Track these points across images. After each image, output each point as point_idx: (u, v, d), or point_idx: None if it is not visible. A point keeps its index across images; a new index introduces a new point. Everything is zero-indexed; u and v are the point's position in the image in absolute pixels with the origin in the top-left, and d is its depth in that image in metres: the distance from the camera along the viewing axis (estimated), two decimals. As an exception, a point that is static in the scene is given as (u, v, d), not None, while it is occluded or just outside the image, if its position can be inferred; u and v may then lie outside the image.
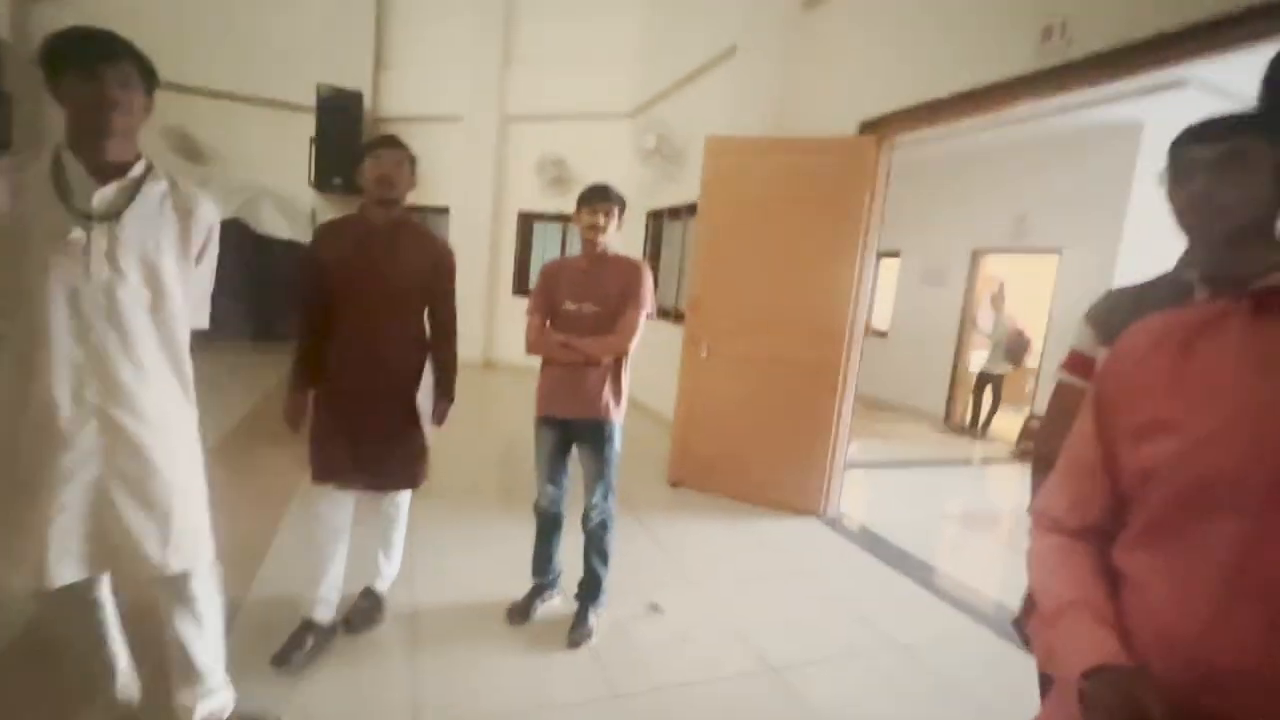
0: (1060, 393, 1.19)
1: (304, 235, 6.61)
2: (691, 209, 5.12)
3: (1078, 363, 1.17)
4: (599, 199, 2.02)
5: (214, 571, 1.47)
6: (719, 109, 4.58)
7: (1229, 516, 0.57)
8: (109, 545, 1.27)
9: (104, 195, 1.22)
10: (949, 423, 6.86)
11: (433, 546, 2.73)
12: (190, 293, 1.37)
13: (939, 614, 2.63)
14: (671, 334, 5.28)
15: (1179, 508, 0.61)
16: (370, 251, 1.85)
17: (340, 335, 1.88)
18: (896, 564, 3.05)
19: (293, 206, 7.10)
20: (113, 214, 1.22)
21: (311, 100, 6.93)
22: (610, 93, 6.67)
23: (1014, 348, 6.24)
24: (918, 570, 3.02)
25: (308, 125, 7.06)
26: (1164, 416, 0.64)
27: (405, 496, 2.17)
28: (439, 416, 2.10)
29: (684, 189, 5.28)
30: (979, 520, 4.19)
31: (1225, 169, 0.94)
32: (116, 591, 1.49)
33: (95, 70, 1.17)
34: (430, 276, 1.95)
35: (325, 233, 1.94)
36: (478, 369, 7.29)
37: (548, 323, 2.13)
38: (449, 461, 4.00)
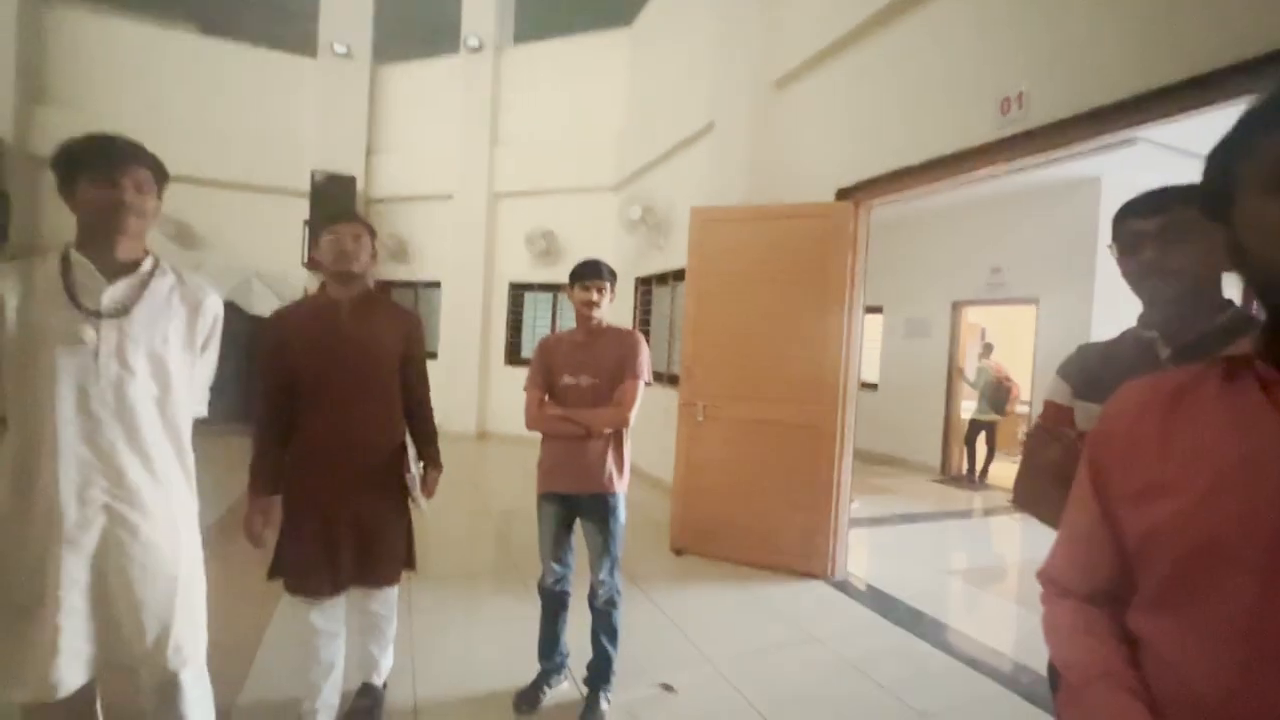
0: (1034, 436, 1.27)
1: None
2: (678, 275, 5.27)
3: (1053, 413, 1.25)
4: (592, 275, 2.06)
5: (204, 672, 1.41)
6: (700, 180, 4.80)
7: (1237, 576, 0.57)
8: (112, 645, 1.23)
9: (114, 293, 1.25)
10: (946, 473, 6.84)
11: (433, 632, 2.63)
12: (194, 382, 1.39)
13: (956, 677, 2.55)
14: (665, 398, 5.31)
15: (1188, 569, 0.61)
16: (340, 329, 1.77)
17: (309, 425, 1.75)
18: (909, 625, 2.98)
19: (286, 286, 7.20)
20: (122, 310, 1.25)
21: (306, 185, 7.18)
22: (595, 168, 6.97)
23: (996, 395, 6.33)
24: (931, 631, 2.94)
25: (302, 209, 7.28)
26: (1159, 479, 0.65)
27: (394, 592, 2.01)
28: (430, 488, 2.02)
29: (670, 257, 5.45)
30: (987, 575, 4.12)
31: (1169, 239, 1.06)
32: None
33: (114, 177, 1.23)
34: (404, 347, 1.89)
35: (284, 317, 1.82)
36: (472, 440, 7.23)
37: (546, 397, 2.14)
38: (447, 539, 3.91)
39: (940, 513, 5.37)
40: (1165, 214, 1.08)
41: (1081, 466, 0.75)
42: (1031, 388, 6.17)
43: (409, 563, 1.96)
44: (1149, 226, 1.09)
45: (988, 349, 6.65)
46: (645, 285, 6.12)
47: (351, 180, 7.38)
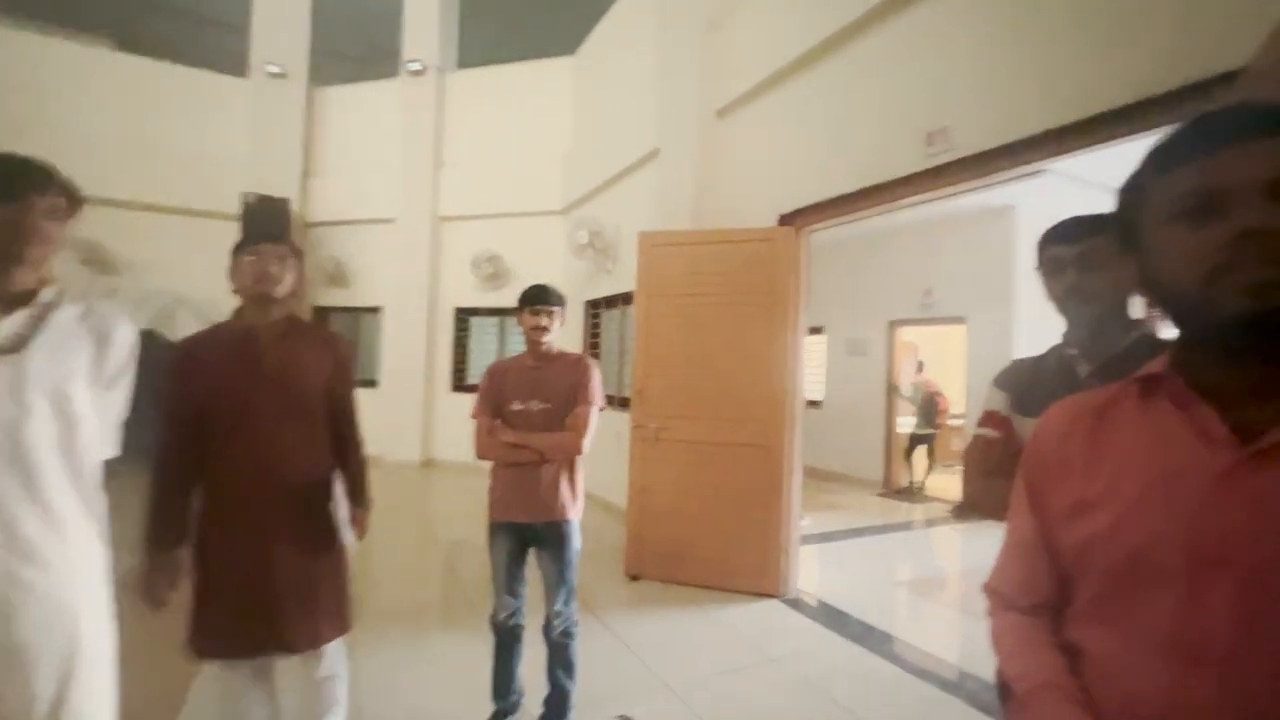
0: (976, 444, 1.34)
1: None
2: (626, 298, 5.31)
3: (990, 419, 1.33)
4: (541, 300, 2.05)
5: None
6: (647, 205, 4.87)
7: (1161, 585, 0.60)
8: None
9: (8, 326, 1.14)
10: (888, 487, 7.07)
11: (378, 675, 2.49)
12: (104, 420, 1.27)
13: (907, 688, 2.61)
14: (617, 421, 5.30)
15: (1117, 580, 0.64)
16: (257, 359, 1.60)
17: (222, 466, 1.57)
18: (860, 640, 3.03)
19: (214, 313, 6.82)
20: (17, 345, 1.14)
21: (236, 208, 6.87)
22: (541, 192, 6.98)
23: (928, 409, 6.63)
24: (881, 644, 3.01)
25: (232, 233, 6.94)
26: (1087, 495, 0.68)
27: (339, 647, 1.76)
28: (360, 528, 1.82)
29: (618, 280, 5.48)
30: (930, 585, 4.26)
31: (1087, 264, 1.17)
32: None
33: (22, 200, 1.13)
34: (333, 376, 1.73)
35: (192, 345, 1.64)
36: (416, 469, 6.98)
37: (497, 422, 2.09)
38: (391, 575, 3.74)
39: (884, 526, 5.54)
40: (1083, 241, 1.18)
41: (1018, 484, 0.79)
42: (965, 402, 6.50)
43: (350, 614, 1.74)
44: (1069, 253, 1.19)
45: (919, 366, 6.96)
46: (594, 308, 6.13)
47: (285, 202, 7.11)
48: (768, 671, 2.70)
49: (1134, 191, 0.67)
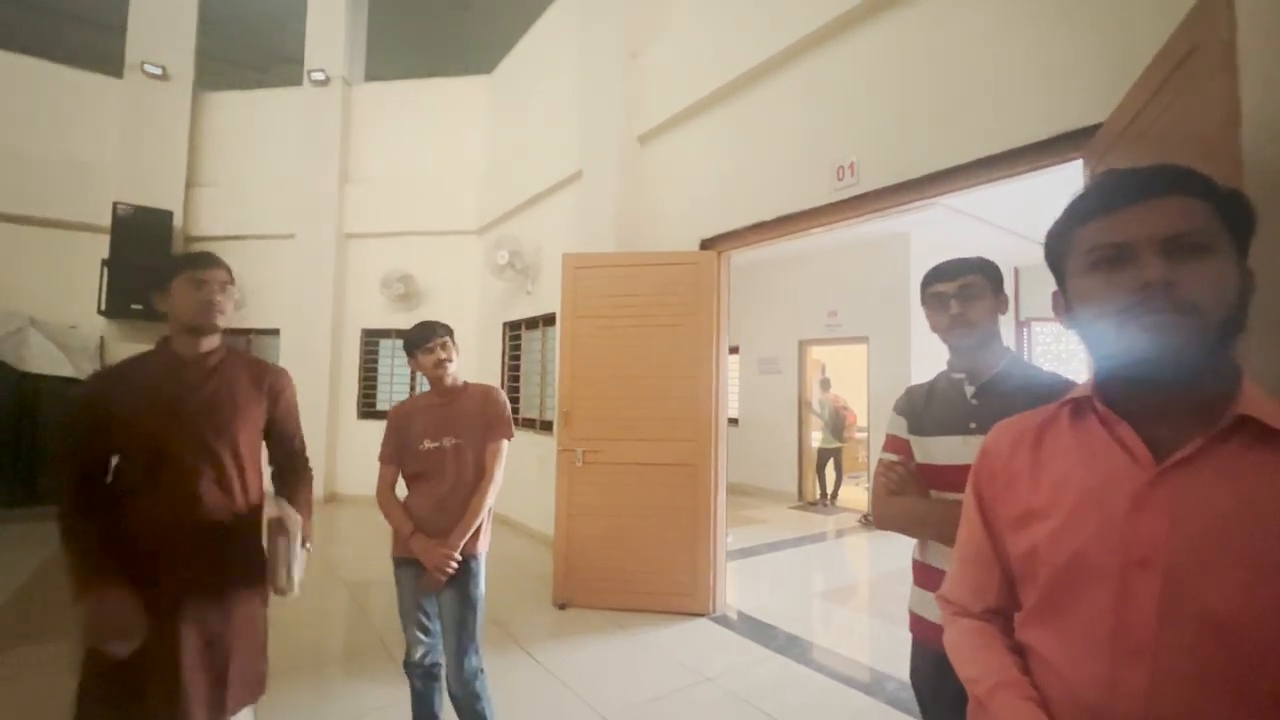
0: (880, 466, 1.47)
1: (90, 369, 5.64)
2: (548, 319, 5.26)
3: (894, 444, 1.48)
4: (431, 336, 1.98)
5: None
6: (568, 227, 4.88)
7: (1098, 586, 0.67)
8: None
9: None
10: (802, 499, 7.38)
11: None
12: None
13: (834, 695, 2.70)
14: (539, 445, 5.20)
15: (1060, 583, 0.71)
16: (191, 394, 1.47)
17: (135, 515, 1.40)
18: (787, 651, 3.12)
19: (74, 337, 6.06)
20: None
21: (106, 219, 6.17)
22: (456, 211, 6.80)
23: (836, 424, 7.03)
24: (807, 654, 3.11)
25: (100, 246, 6.23)
26: (1033, 506, 0.75)
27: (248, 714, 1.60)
28: (306, 533, 1.61)
29: (539, 300, 5.43)
30: (846, 593, 4.47)
31: (966, 297, 1.37)
32: None
33: None
34: (275, 410, 1.64)
35: (112, 381, 1.46)
36: (319, 505, 6.48)
37: (414, 532, 1.93)
38: (291, 623, 3.42)
39: (801, 538, 5.76)
40: (962, 277, 1.38)
41: (968, 498, 0.86)
42: (868, 416, 6.93)
43: (260, 684, 1.58)
44: (951, 288, 1.38)
45: (826, 384, 7.37)
46: (514, 329, 6.02)
47: (167, 215, 6.47)
48: (701, 691, 2.71)
49: (1057, 240, 0.76)
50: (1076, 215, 0.73)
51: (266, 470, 1.69)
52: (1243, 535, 0.60)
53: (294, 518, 1.55)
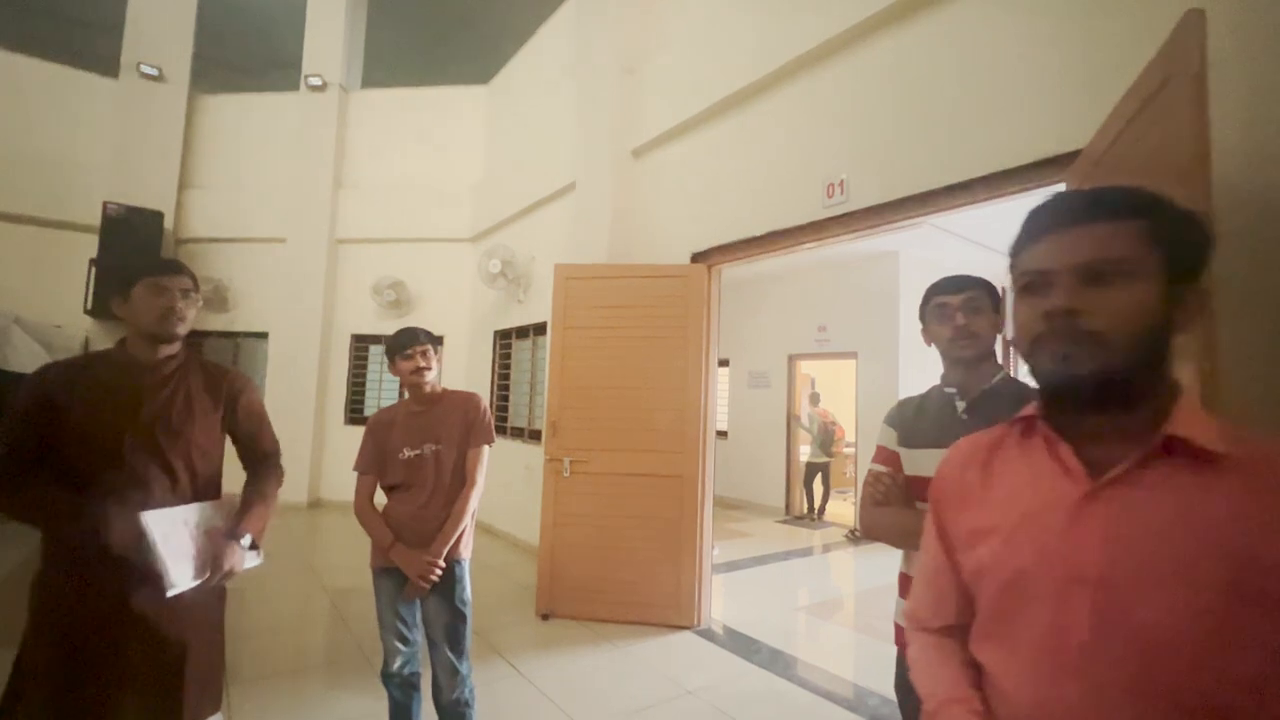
0: (869, 477, 1.48)
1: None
2: (539, 329, 5.27)
3: (883, 456, 1.49)
4: (413, 343, 1.98)
5: None
6: (561, 237, 4.91)
7: (1037, 602, 0.68)
8: None
9: None
10: (789, 513, 7.39)
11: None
12: None
13: (819, 710, 2.70)
14: (527, 454, 5.19)
15: (1004, 599, 0.72)
16: (140, 402, 1.42)
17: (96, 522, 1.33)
18: (771, 666, 3.12)
19: (58, 337, 5.99)
20: None
21: (95, 219, 6.13)
22: (450, 219, 6.81)
23: (824, 438, 7.06)
24: (790, 669, 3.11)
25: (88, 246, 6.19)
26: (982, 524, 0.76)
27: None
28: (220, 565, 1.43)
29: (530, 310, 5.44)
30: (831, 607, 4.47)
31: (972, 309, 1.39)
32: None
33: None
34: (235, 413, 1.59)
35: (60, 374, 1.40)
36: (303, 511, 6.41)
37: (395, 543, 1.93)
38: (272, 629, 3.38)
39: (787, 552, 5.76)
40: (967, 291, 1.40)
41: (928, 516, 0.87)
42: (855, 430, 6.96)
43: (214, 700, 1.51)
44: (956, 300, 1.40)
45: (815, 398, 7.41)
46: (505, 338, 6.02)
47: (158, 216, 6.44)
48: (684, 705, 2.70)
49: (1011, 262, 0.79)
50: (1018, 240, 0.75)
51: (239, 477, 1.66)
52: (1170, 551, 0.61)
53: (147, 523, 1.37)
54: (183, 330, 1.50)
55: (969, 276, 1.43)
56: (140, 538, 1.33)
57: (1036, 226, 0.72)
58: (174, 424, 1.46)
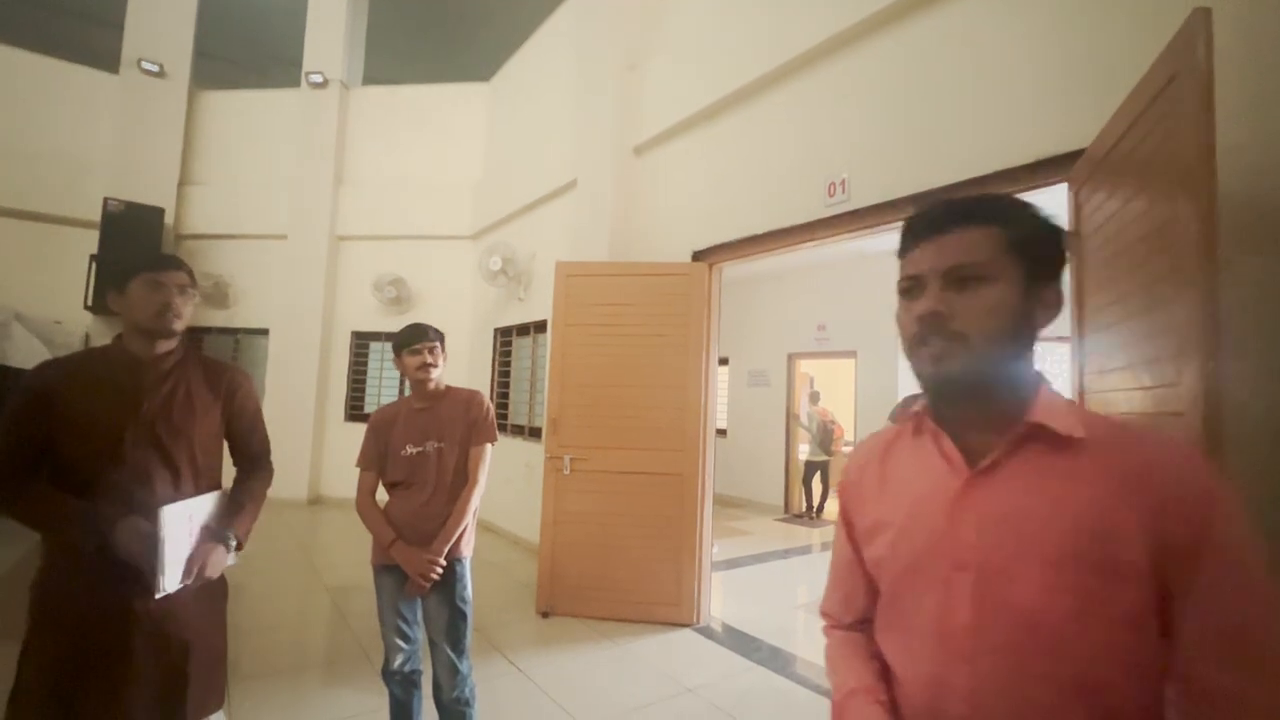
0: None
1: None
2: (539, 326, 5.26)
3: None
4: (421, 339, 1.98)
5: None
6: (561, 234, 4.90)
7: (928, 590, 0.71)
8: None
9: None
10: (788, 511, 7.39)
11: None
12: None
13: (818, 708, 2.70)
14: (527, 451, 5.19)
15: (899, 589, 0.75)
16: (140, 399, 1.42)
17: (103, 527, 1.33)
18: (770, 664, 3.12)
19: (59, 333, 5.99)
20: None
21: (95, 214, 6.12)
22: (450, 216, 6.81)
23: (824, 437, 7.07)
24: (789, 667, 3.11)
25: (88, 242, 6.18)
26: (881, 518, 0.79)
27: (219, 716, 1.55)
28: (194, 566, 1.41)
29: (531, 308, 5.43)
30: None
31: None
32: None
33: None
34: (230, 408, 1.58)
35: (58, 372, 1.39)
36: (303, 507, 6.41)
37: (395, 540, 1.92)
38: (269, 627, 3.38)
39: (786, 550, 5.76)
40: None
41: (838, 513, 0.90)
42: (855, 430, 6.96)
43: (217, 697, 1.52)
44: None
45: (814, 396, 7.40)
46: (505, 336, 6.01)
47: (158, 212, 6.42)
48: (683, 702, 2.70)
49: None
50: (899, 246, 0.79)
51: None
52: (1037, 533, 0.65)
53: (165, 518, 1.36)
54: (179, 326, 1.49)
55: None
56: (150, 538, 1.32)
57: (911, 233, 0.76)
58: (175, 420, 1.45)
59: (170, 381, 1.48)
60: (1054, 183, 2.10)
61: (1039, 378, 0.73)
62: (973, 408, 0.72)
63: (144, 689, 1.36)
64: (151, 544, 1.32)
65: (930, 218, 0.74)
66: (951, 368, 0.69)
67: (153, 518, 1.34)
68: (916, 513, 0.74)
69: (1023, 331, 0.70)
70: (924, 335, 0.70)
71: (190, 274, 1.52)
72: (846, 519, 0.87)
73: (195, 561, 1.41)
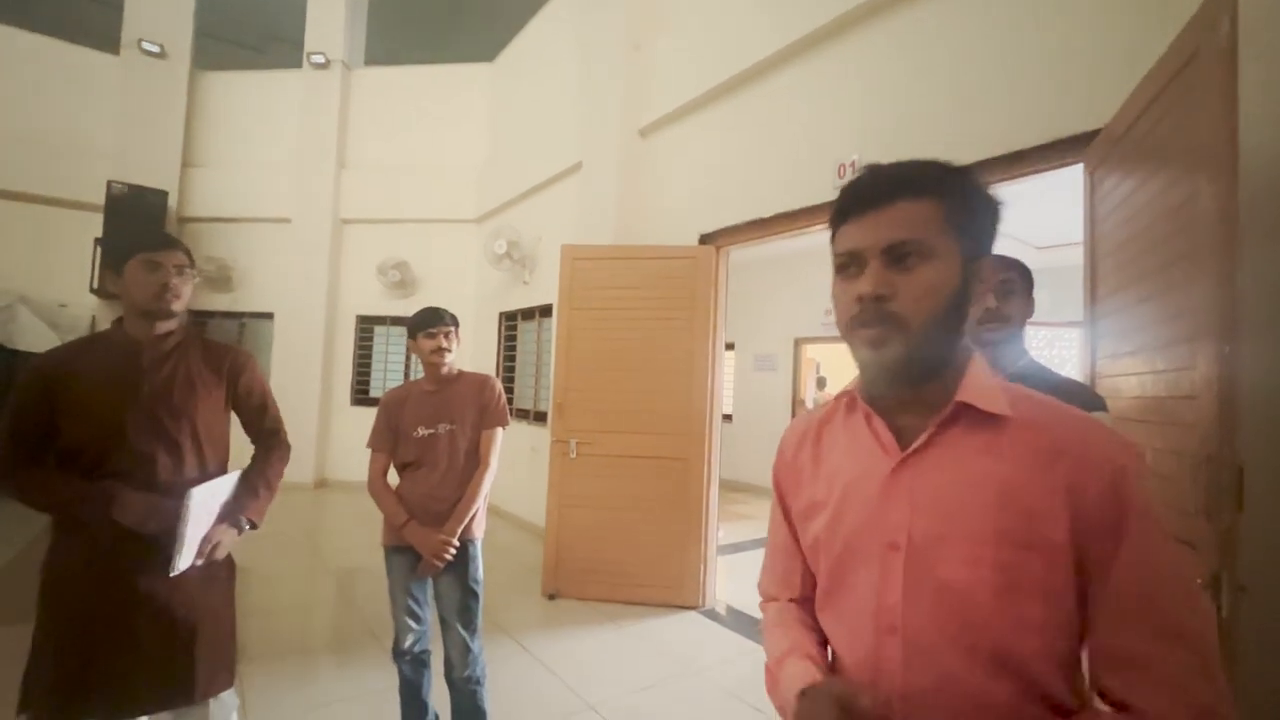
0: None
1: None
2: (544, 310, 5.25)
3: None
4: (437, 323, 1.99)
5: None
6: (567, 218, 4.86)
7: (863, 568, 0.71)
8: None
9: None
10: (793, 496, 7.41)
11: None
12: None
13: (821, 690, 2.73)
14: (533, 435, 5.20)
15: (836, 568, 0.74)
16: (142, 381, 1.42)
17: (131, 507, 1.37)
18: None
19: (64, 317, 6.01)
20: None
21: (99, 197, 6.11)
22: (455, 199, 6.77)
23: None
24: (795, 648, 3.13)
25: (93, 225, 6.17)
26: (815, 498, 0.78)
27: (230, 700, 1.57)
28: (206, 548, 1.46)
29: (536, 291, 5.41)
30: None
31: (1005, 291, 1.37)
32: None
33: None
34: (236, 390, 1.59)
35: (60, 359, 1.42)
36: (310, 490, 6.47)
37: (409, 521, 1.93)
38: (279, 608, 3.43)
39: (791, 534, 5.78)
40: (1002, 273, 1.39)
41: (774, 493, 0.89)
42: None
43: (234, 662, 1.56)
44: (990, 282, 1.34)
45: (821, 382, 7.39)
46: (510, 320, 6.00)
47: (162, 195, 6.40)
48: (689, 683, 2.73)
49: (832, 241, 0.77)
50: (833, 217, 0.75)
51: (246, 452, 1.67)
52: (962, 510, 0.65)
53: (191, 500, 1.39)
54: (179, 307, 1.48)
55: (1005, 257, 1.38)
56: (163, 514, 1.36)
57: (846, 205, 0.72)
58: (176, 401, 1.46)
59: (171, 362, 1.48)
60: (1069, 163, 2.06)
61: (968, 352, 0.72)
62: (906, 389, 0.71)
63: (152, 666, 1.39)
64: (169, 522, 1.35)
65: (868, 189, 0.70)
66: (892, 353, 0.67)
67: (163, 497, 1.36)
68: (851, 494, 0.73)
69: (961, 310, 0.69)
70: (863, 317, 0.68)
71: (188, 254, 1.51)
72: (782, 499, 0.86)
73: (209, 542, 1.45)
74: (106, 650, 1.35)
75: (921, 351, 0.67)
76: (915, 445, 0.69)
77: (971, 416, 0.67)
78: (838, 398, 0.81)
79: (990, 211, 0.71)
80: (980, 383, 0.69)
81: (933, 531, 0.66)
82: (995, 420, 0.67)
